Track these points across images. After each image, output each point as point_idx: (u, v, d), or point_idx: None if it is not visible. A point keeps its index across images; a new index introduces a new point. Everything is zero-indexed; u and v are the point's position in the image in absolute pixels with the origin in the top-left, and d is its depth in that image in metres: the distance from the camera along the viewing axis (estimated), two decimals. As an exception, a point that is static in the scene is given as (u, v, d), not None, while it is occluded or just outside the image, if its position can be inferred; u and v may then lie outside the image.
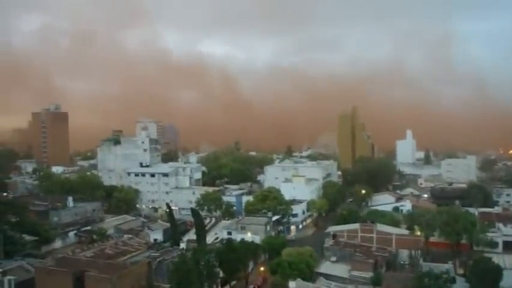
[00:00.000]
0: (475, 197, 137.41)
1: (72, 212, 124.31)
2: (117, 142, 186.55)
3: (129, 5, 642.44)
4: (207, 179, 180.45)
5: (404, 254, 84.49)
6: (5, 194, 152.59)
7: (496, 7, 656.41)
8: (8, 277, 64.90)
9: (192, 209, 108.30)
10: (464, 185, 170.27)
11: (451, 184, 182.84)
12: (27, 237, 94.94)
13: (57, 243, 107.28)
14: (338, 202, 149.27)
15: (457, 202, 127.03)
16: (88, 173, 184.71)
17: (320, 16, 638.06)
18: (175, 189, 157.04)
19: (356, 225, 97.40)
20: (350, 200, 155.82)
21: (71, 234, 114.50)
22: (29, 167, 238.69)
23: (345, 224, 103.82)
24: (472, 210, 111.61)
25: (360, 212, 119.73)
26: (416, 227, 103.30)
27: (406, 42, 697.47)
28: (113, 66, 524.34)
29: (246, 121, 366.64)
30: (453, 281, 65.23)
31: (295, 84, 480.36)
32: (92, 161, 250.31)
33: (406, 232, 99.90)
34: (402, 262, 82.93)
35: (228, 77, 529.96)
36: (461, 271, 79.47)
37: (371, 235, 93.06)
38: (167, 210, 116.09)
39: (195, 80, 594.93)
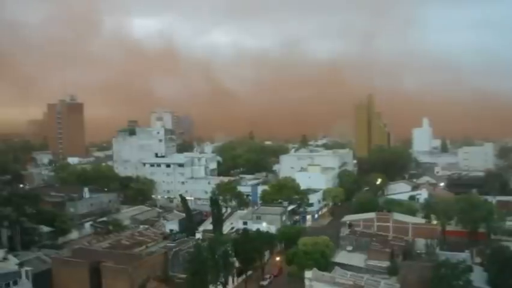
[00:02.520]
0: (492, 185, 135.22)
1: (88, 203, 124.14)
2: (132, 133, 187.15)
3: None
4: (222, 169, 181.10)
5: (420, 243, 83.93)
6: (21, 185, 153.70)
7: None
8: (26, 268, 65.66)
9: (211, 198, 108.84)
10: (481, 173, 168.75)
11: (468, 172, 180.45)
12: (44, 229, 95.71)
13: (74, 234, 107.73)
14: (353, 191, 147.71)
15: (474, 190, 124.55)
16: (104, 164, 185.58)
17: (328, 3, 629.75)
18: (191, 180, 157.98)
19: (372, 214, 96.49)
20: (366, 188, 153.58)
21: (87, 225, 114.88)
22: (44, 158, 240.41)
23: (361, 213, 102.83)
24: (489, 198, 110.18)
25: (376, 200, 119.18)
26: (432, 215, 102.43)
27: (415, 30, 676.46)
28: (121, 56, 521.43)
29: (261, 110, 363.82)
30: (470, 270, 64.37)
31: (308, 72, 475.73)
32: (107, 152, 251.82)
33: (423, 221, 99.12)
34: (418, 251, 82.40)
35: (240, 66, 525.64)
36: (478, 260, 78.33)
37: (387, 224, 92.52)
38: (182, 200, 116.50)
39: (207, 70, 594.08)
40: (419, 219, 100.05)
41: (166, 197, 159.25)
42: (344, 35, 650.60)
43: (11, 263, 69.50)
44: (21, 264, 68.04)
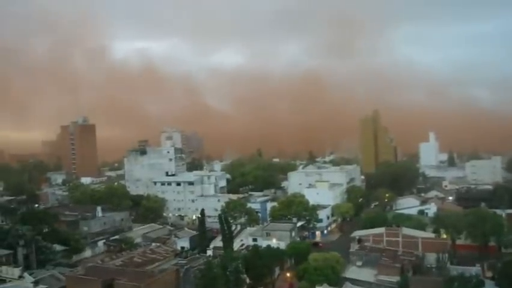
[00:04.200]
0: (501, 198, 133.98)
1: (101, 222, 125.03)
2: (143, 152, 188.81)
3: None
4: (232, 187, 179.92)
5: (430, 257, 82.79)
6: (36, 205, 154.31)
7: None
8: (41, 286, 66.03)
9: (220, 216, 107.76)
10: (489, 187, 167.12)
11: (476, 186, 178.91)
12: (58, 247, 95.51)
13: (87, 253, 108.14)
14: (362, 206, 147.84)
15: (483, 204, 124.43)
16: (116, 183, 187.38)
17: (331, 19, 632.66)
18: (201, 197, 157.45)
19: (381, 230, 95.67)
20: (375, 204, 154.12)
21: (100, 243, 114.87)
22: (58, 178, 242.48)
23: (370, 228, 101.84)
24: (498, 211, 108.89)
25: (385, 216, 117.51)
26: (442, 230, 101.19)
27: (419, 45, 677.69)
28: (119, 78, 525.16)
29: (268, 127, 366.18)
30: (482, 284, 63.60)
31: (314, 89, 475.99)
32: (119, 172, 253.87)
33: (432, 235, 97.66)
34: (429, 266, 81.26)
35: (249, 84, 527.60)
36: (489, 274, 77.27)
37: (397, 239, 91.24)
38: (200, 217, 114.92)
39: (215, 88, 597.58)
40: (428, 234, 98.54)
41: (176, 214, 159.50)
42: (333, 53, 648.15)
43: (27, 281, 70.04)
44: (36, 283, 68.52)
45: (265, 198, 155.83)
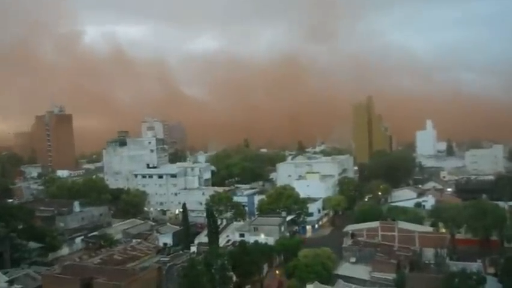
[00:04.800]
0: (503, 189, 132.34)
1: (78, 217, 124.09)
2: (123, 143, 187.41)
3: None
4: (217, 179, 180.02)
5: (428, 252, 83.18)
6: (10, 200, 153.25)
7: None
8: (15, 286, 65.91)
9: (207, 209, 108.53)
10: (491, 177, 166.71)
11: (476, 176, 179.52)
12: (34, 245, 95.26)
13: (64, 250, 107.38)
14: (355, 199, 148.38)
15: (484, 196, 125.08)
16: (94, 176, 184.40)
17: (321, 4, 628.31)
18: (184, 191, 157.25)
19: (375, 223, 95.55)
20: (369, 196, 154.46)
21: (78, 240, 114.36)
22: (33, 171, 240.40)
23: (364, 222, 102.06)
24: (500, 203, 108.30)
25: (379, 208, 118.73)
26: (440, 223, 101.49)
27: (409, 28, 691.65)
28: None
29: (253, 116, 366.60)
30: (484, 281, 63.50)
31: (298, 74, 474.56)
32: (98, 164, 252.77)
33: (430, 229, 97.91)
34: (427, 261, 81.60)
35: (233, 70, 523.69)
36: (491, 270, 77.38)
37: (393, 233, 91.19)
38: (183, 211, 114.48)
39: (193, 75, 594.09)
40: (426, 228, 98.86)
41: (159, 209, 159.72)
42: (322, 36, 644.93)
43: (0, 281, 69.65)
44: (10, 282, 68.47)
45: (253, 191, 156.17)
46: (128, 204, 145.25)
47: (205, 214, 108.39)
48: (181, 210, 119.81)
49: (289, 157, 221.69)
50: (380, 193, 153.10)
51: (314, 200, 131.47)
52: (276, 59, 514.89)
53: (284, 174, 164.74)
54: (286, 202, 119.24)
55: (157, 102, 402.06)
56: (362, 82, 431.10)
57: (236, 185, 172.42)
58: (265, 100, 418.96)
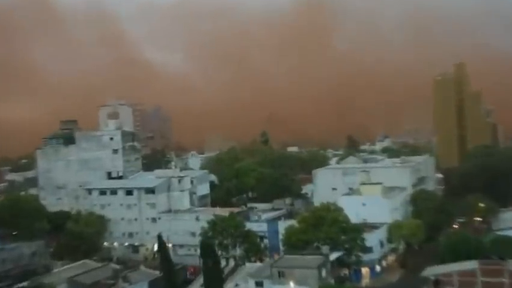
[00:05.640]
0: None
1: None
2: (69, 141, 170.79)
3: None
4: (219, 195, 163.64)
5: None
6: None
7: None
8: None
9: (203, 243, 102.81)
10: None
11: None
12: None
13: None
14: (439, 225, 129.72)
15: None
16: (23, 193, 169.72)
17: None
18: (167, 214, 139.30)
19: (473, 264, 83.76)
20: (460, 220, 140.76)
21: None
22: None
23: (453, 261, 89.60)
24: None
25: (478, 240, 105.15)
26: None
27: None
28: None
29: (273, 98, 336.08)
30: None
31: (340, 29, 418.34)
32: (28, 173, 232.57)
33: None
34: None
35: (228, 24, 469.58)
36: None
37: (501, 280, 78.95)
38: (159, 246, 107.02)
39: (174, 34, 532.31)
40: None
41: (127, 244, 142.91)
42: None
43: None
44: None
45: (276, 213, 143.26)
46: (77, 236, 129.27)
47: (199, 251, 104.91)
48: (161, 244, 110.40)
49: (334, 159, 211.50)
50: (478, 216, 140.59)
51: (374, 226, 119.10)
52: (296, 3, 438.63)
53: (326, 186, 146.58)
54: (330, 231, 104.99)
55: (115, 77, 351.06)
56: (442, 41, 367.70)
57: (250, 205, 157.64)
58: (286, 72, 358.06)
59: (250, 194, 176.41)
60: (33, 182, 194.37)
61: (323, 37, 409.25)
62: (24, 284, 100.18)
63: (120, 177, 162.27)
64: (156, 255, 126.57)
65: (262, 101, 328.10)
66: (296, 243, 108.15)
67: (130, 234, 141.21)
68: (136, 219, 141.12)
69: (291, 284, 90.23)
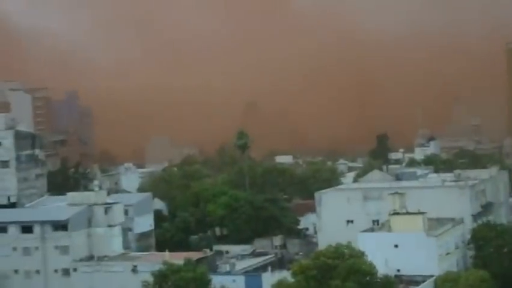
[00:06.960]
0: None
1: None
2: None
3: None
4: (170, 231, 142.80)
5: None
6: None
7: None
8: None
9: None
10: None
11: None
12: None
13: None
14: None
15: None
16: None
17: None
18: (87, 264, 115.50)
19: None
20: None
21: None
22: None
23: None
24: None
25: None
26: None
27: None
28: None
29: (262, 86, 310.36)
30: None
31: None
32: None
33: None
34: None
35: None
36: None
37: None
38: None
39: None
40: None
41: None
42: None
43: None
44: None
45: (259, 260, 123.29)
46: None
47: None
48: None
49: (349, 175, 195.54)
50: None
51: (412, 281, 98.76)
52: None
53: (336, 216, 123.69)
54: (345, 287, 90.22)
55: None
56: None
57: (217, 247, 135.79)
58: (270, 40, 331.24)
59: (217, 231, 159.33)
60: None
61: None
62: None
63: (12, 205, 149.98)
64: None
65: (236, 83, 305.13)
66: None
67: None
68: (37, 272, 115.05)
69: None
